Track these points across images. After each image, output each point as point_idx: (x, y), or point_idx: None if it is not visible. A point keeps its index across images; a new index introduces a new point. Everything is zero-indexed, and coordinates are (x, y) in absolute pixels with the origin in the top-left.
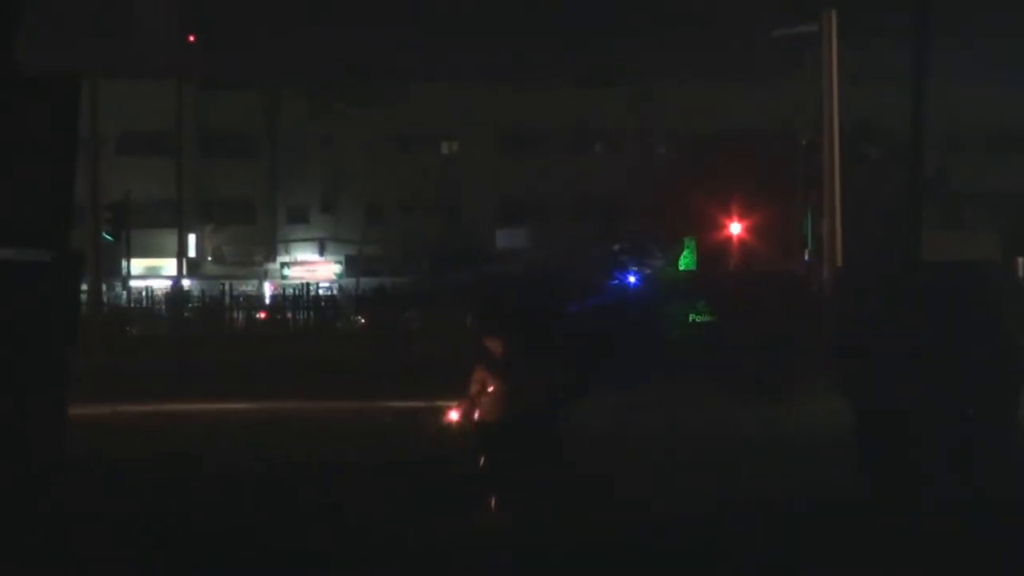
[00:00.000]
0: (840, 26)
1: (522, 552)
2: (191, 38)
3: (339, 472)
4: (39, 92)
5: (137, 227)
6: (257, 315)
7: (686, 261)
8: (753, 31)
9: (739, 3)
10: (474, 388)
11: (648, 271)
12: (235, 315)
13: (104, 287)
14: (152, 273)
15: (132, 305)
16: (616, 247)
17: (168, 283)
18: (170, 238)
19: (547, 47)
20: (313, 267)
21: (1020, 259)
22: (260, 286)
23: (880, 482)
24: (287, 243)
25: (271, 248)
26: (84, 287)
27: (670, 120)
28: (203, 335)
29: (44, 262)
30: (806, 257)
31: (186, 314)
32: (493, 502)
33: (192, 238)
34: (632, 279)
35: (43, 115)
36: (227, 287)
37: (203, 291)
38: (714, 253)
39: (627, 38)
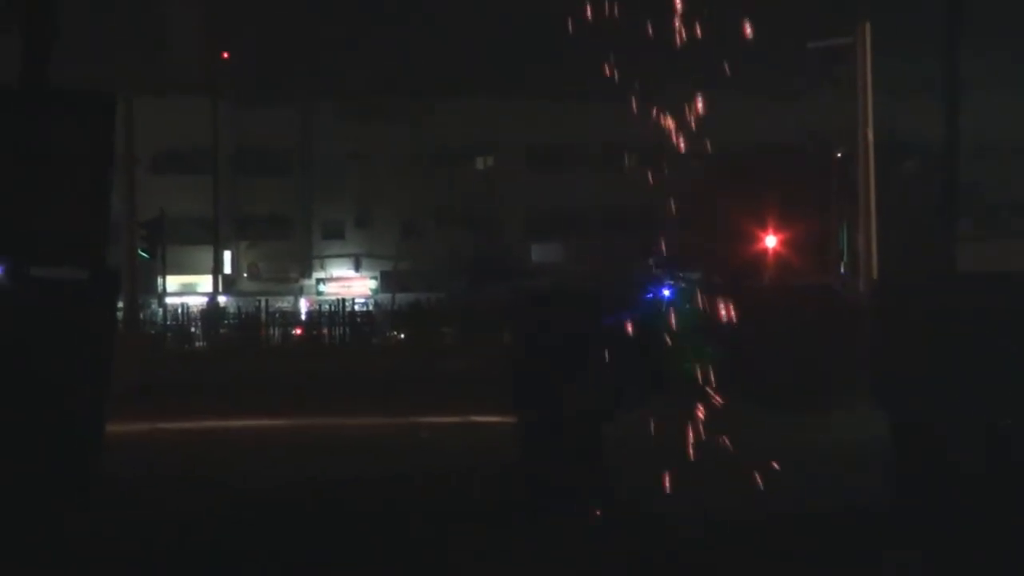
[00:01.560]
0: (873, 37)
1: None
2: (225, 55)
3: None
4: (74, 110)
5: (173, 244)
6: (293, 331)
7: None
8: (787, 44)
9: (774, 16)
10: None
11: (683, 285)
12: (271, 331)
13: (140, 304)
14: (188, 290)
15: (168, 322)
16: (651, 261)
17: (204, 300)
18: (206, 255)
19: (581, 61)
20: (349, 283)
21: None
22: (296, 302)
23: (916, 493)
24: (322, 259)
25: (306, 264)
26: (120, 304)
27: (705, 133)
28: (239, 351)
29: (81, 280)
30: (841, 270)
31: (222, 330)
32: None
33: (228, 255)
34: (667, 292)
35: (79, 133)
36: (263, 303)
37: (239, 307)
38: (749, 266)
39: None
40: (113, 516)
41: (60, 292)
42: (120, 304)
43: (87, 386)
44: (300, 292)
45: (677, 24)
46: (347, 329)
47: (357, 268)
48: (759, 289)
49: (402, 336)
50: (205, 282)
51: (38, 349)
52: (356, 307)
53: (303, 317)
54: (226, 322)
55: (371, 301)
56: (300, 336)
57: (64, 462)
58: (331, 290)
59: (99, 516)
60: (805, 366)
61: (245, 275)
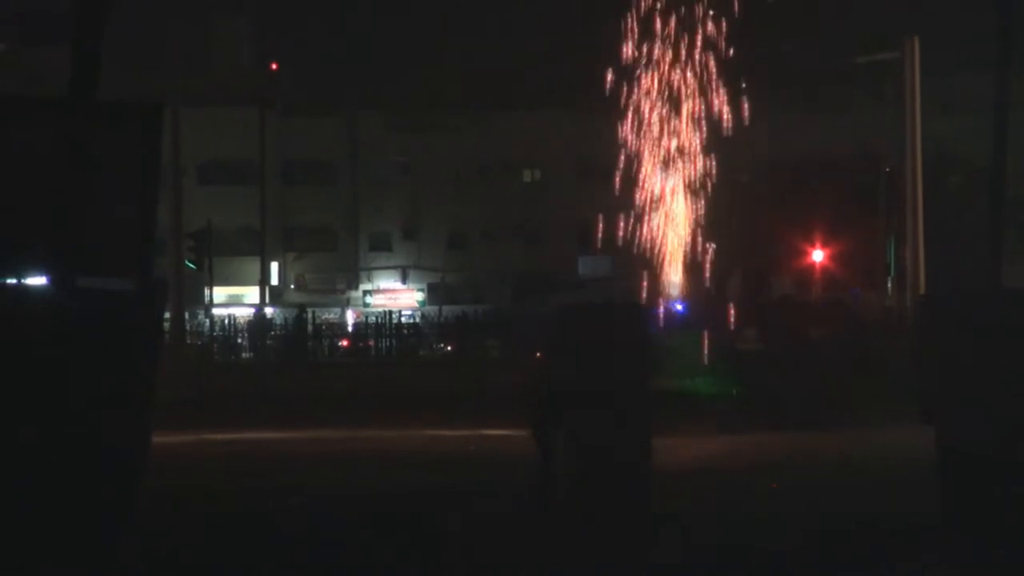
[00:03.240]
0: (922, 52)
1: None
2: (273, 66)
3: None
4: (122, 122)
5: (219, 255)
6: (340, 343)
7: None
8: (837, 59)
9: (827, 31)
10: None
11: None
12: (319, 343)
13: (187, 315)
14: (234, 301)
15: (215, 333)
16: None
17: (251, 311)
18: (252, 266)
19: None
20: (395, 295)
21: None
22: (343, 314)
23: (964, 513)
24: (369, 271)
25: (353, 275)
26: (167, 315)
27: (754, 145)
28: (286, 363)
29: (128, 290)
30: (888, 285)
31: (268, 342)
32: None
33: (274, 266)
34: (679, 307)
35: (126, 144)
36: (310, 315)
37: (286, 319)
38: (798, 280)
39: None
40: (158, 530)
41: (106, 303)
42: (167, 315)
43: (133, 398)
44: (347, 304)
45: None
46: (393, 341)
47: (404, 280)
48: (769, 304)
49: (448, 348)
50: (252, 293)
51: (84, 360)
52: (403, 319)
53: (350, 329)
54: (272, 333)
55: (417, 313)
56: (347, 348)
57: (109, 476)
58: (378, 302)
59: (144, 531)
60: (816, 382)
61: (292, 286)
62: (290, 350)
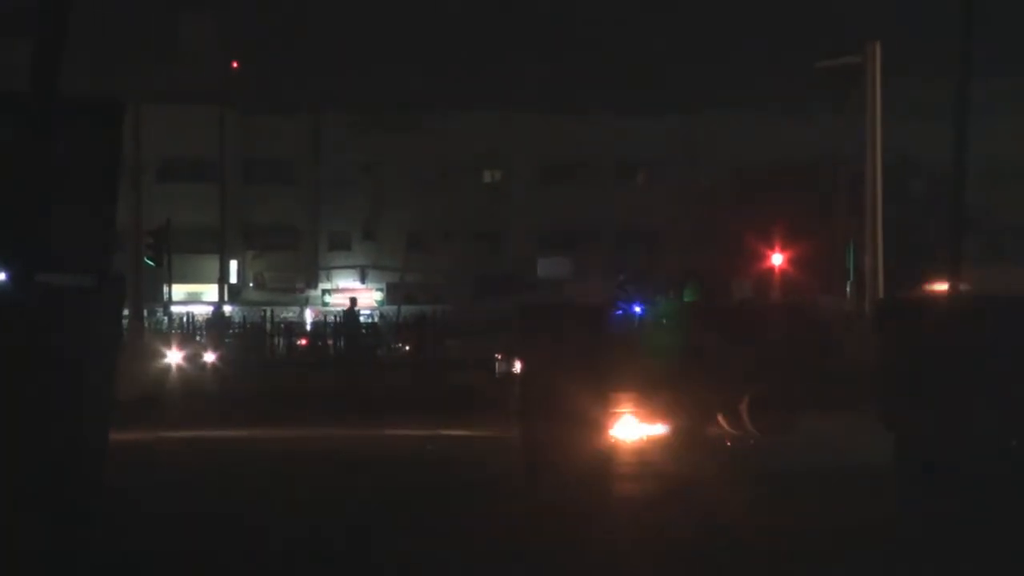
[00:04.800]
0: (884, 58)
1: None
2: (234, 64)
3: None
4: (83, 116)
5: (179, 253)
6: (298, 342)
7: (690, 295)
8: (799, 63)
9: (783, 35)
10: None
11: (652, 302)
12: (276, 341)
13: (146, 312)
14: (193, 299)
15: (173, 331)
16: (621, 278)
17: (209, 309)
18: (211, 264)
19: (592, 76)
20: (354, 294)
21: None
22: (301, 313)
23: (921, 513)
24: (328, 270)
25: (313, 275)
26: (125, 312)
27: (713, 151)
28: (244, 361)
29: (86, 286)
30: (847, 289)
31: (227, 340)
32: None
33: (234, 264)
34: (638, 309)
35: (86, 139)
36: (268, 313)
37: (244, 317)
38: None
39: (673, 69)
40: (117, 526)
41: (65, 299)
42: (125, 312)
43: (91, 394)
44: (306, 303)
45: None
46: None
47: (363, 279)
48: (722, 308)
49: (406, 348)
50: (211, 291)
51: (41, 356)
52: (361, 318)
53: (308, 327)
54: (231, 331)
55: (376, 313)
56: (305, 346)
57: (67, 473)
58: (336, 301)
59: (103, 526)
60: (770, 383)
61: (251, 285)
62: (247, 348)
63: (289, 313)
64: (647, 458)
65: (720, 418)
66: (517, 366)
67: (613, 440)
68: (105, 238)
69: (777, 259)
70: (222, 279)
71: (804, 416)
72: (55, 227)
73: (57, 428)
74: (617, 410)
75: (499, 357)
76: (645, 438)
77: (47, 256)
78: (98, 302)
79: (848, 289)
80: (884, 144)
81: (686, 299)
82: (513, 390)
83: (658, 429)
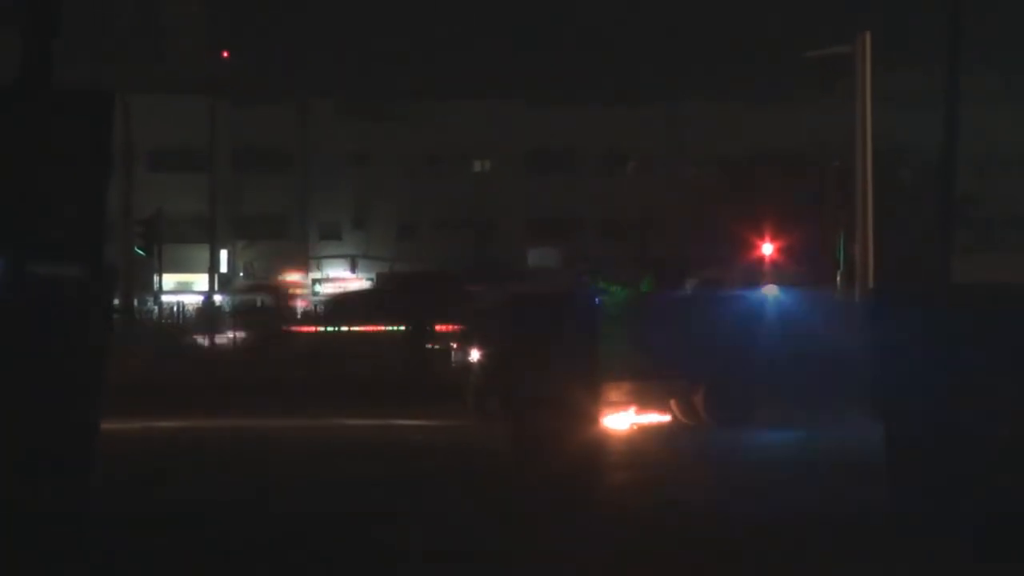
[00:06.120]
0: (874, 48)
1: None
2: (225, 54)
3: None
4: (73, 108)
5: (169, 242)
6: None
7: (647, 285)
8: (787, 52)
9: (773, 24)
10: None
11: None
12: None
13: (136, 302)
14: (184, 288)
15: (164, 320)
16: (580, 269)
17: (200, 298)
18: (202, 253)
19: (580, 66)
20: (344, 284)
21: None
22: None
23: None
24: (319, 259)
25: (303, 264)
26: (116, 302)
27: (702, 140)
28: (232, 351)
29: (77, 277)
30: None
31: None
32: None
33: (224, 253)
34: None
35: (76, 131)
36: (259, 303)
37: (234, 307)
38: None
39: (661, 58)
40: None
41: (55, 290)
42: (116, 301)
43: (82, 384)
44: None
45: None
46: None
47: (353, 269)
48: (678, 296)
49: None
50: (201, 281)
51: (31, 347)
52: None
53: (298, 317)
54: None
55: None
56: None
57: (58, 462)
58: (327, 291)
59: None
60: (724, 373)
61: (241, 274)
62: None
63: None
64: (639, 447)
65: (674, 406)
66: (473, 355)
67: (605, 429)
68: (96, 229)
69: (767, 248)
70: (212, 268)
71: (763, 406)
72: (45, 219)
73: (49, 417)
74: (610, 399)
75: (455, 347)
76: (635, 427)
77: (37, 248)
78: (88, 293)
79: (838, 279)
80: (874, 133)
81: (644, 289)
82: (469, 379)
83: (651, 418)
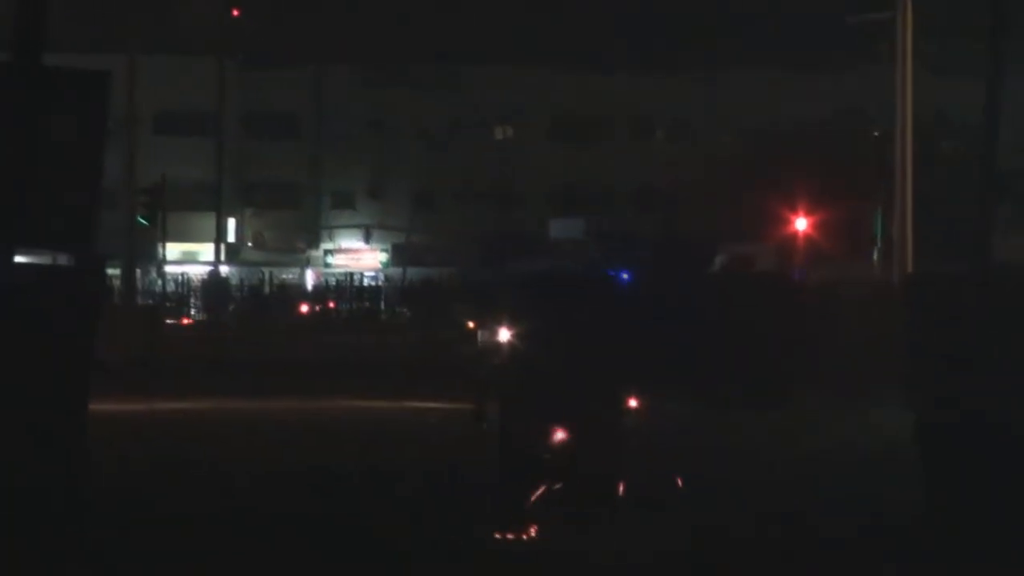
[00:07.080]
0: (916, 16)
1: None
2: (235, 13)
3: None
4: (66, 90)
5: (174, 210)
6: (298, 306)
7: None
8: (825, 18)
9: None
10: None
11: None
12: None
13: (139, 273)
14: (189, 258)
15: (168, 291)
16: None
17: (205, 269)
18: (208, 222)
19: (608, 32)
20: (358, 255)
21: None
22: (302, 274)
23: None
24: (331, 229)
25: (314, 234)
26: (117, 272)
27: (735, 109)
28: (241, 326)
29: (64, 266)
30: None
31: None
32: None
33: (231, 222)
34: (624, 276)
35: (70, 113)
36: (267, 275)
37: (242, 279)
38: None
39: (691, 23)
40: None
41: (40, 277)
42: (117, 271)
43: (70, 371)
44: (307, 263)
45: None
46: (354, 304)
47: (367, 240)
48: (708, 278)
49: (408, 313)
50: (207, 250)
51: (17, 335)
52: (365, 281)
53: (309, 289)
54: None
55: (381, 275)
56: (306, 312)
57: (45, 454)
58: (339, 262)
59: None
60: (757, 360)
61: (249, 244)
62: (245, 313)
63: (289, 275)
64: None
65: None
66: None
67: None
68: (87, 215)
69: (801, 223)
70: (219, 238)
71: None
72: (36, 204)
73: (38, 404)
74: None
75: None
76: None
77: (28, 234)
78: (74, 281)
79: (875, 257)
80: (916, 103)
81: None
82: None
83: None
